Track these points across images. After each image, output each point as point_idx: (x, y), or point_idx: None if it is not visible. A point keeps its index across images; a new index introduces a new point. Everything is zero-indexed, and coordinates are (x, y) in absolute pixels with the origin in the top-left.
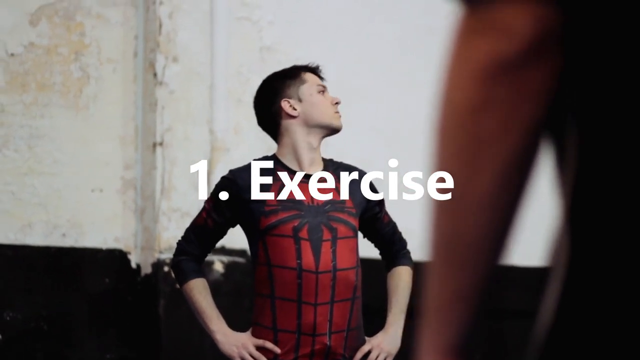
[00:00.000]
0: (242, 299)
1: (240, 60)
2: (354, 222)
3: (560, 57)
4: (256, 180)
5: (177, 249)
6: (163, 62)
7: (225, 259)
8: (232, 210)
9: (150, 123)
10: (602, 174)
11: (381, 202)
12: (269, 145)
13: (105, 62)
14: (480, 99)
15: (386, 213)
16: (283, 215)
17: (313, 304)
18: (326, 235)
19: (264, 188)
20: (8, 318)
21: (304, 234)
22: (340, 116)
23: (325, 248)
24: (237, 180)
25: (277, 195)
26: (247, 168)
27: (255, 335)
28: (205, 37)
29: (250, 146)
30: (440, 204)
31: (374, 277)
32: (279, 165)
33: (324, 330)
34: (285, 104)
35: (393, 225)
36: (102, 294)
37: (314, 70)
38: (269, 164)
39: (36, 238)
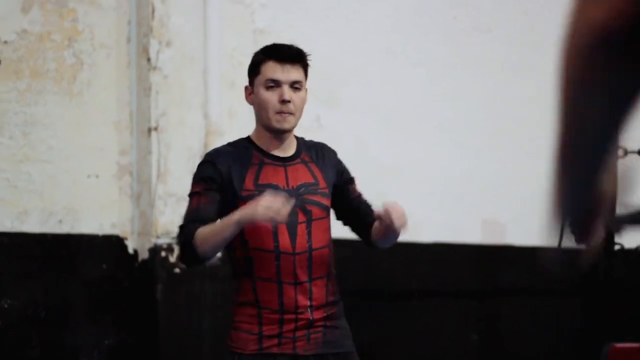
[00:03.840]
0: None
1: (233, 44)
2: (327, 202)
3: None
4: (233, 164)
5: (181, 236)
6: (157, 47)
7: None
8: (219, 186)
9: (145, 108)
10: None
11: (352, 178)
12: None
13: (98, 48)
14: None
15: (357, 189)
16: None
17: (293, 284)
18: (301, 217)
19: (240, 172)
20: (6, 305)
21: None
22: (285, 117)
23: (301, 230)
24: (216, 164)
25: (253, 180)
26: (224, 152)
27: (239, 312)
28: (198, 21)
29: (245, 129)
30: None
31: (364, 259)
32: (255, 148)
33: (305, 307)
34: (245, 92)
35: (365, 200)
36: (100, 280)
37: (277, 56)
38: (246, 149)
39: (32, 225)
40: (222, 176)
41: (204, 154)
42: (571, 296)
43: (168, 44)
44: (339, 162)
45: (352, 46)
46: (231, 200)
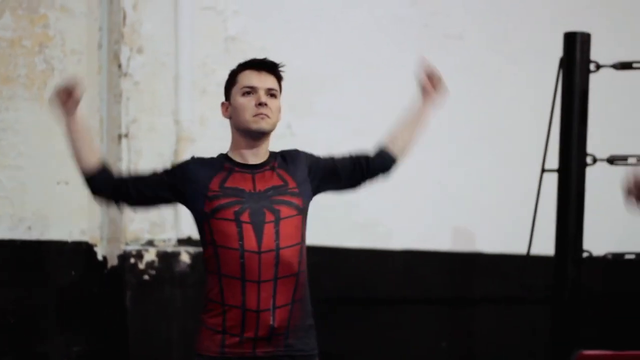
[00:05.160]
0: None
1: (205, 51)
2: (298, 201)
3: None
4: (204, 168)
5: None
6: (128, 54)
7: (192, 249)
8: (177, 181)
9: (116, 114)
10: None
11: (320, 159)
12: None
13: (69, 54)
14: None
15: (332, 157)
16: (224, 201)
17: (256, 282)
18: (269, 217)
19: (209, 175)
20: None
21: (245, 217)
22: (263, 117)
23: (268, 229)
24: (190, 164)
25: (220, 183)
26: (199, 158)
27: (206, 309)
28: (170, 27)
29: (216, 136)
30: None
31: (336, 266)
32: (227, 160)
33: (268, 306)
34: (222, 108)
35: (346, 157)
36: (69, 287)
37: (253, 65)
38: (219, 159)
39: (1, 231)
40: (187, 174)
41: (173, 162)
42: (540, 303)
43: (139, 51)
44: (307, 156)
45: (325, 55)
46: (197, 200)
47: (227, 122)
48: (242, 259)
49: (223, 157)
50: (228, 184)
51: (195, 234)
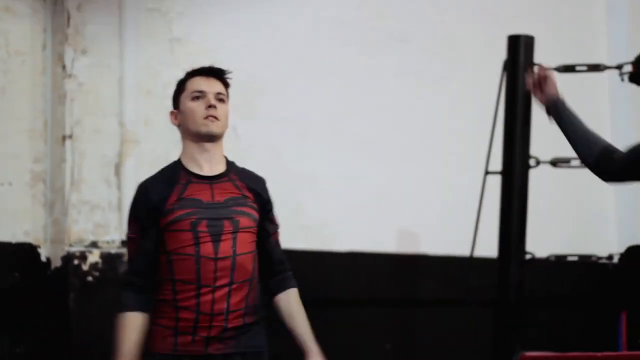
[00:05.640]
0: None
1: (150, 52)
2: (256, 214)
3: None
4: (156, 190)
5: (122, 299)
6: (72, 55)
7: None
8: (153, 220)
9: (60, 116)
10: None
11: (271, 211)
12: (178, 138)
13: (13, 55)
14: None
15: (275, 231)
16: (180, 212)
17: (211, 287)
18: (227, 227)
19: (165, 194)
20: None
21: (202, 227)
22: (212, 120)
23: (226, 238)
24: (148, 193)
25: (177, 196)
26: (152, 179)
27: (158, 310)
28: (114, 29)
29: (160, 138)
30: None
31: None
32: (183, 169)
33: (222, 310)
34: (171, 117)
35: (280, 248)
36: (12, 288)
37: (202, 72)
38: (174, 171)
39: None
40: (154, 204)
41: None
42: (484, 305)
43: (83, 52)
44: (265, 190)
45: (270, 57)
46: (157, 218)
47: (170, 124)
48: (198, 264)
49: (179, 168)
50: (186, 195)
51: None
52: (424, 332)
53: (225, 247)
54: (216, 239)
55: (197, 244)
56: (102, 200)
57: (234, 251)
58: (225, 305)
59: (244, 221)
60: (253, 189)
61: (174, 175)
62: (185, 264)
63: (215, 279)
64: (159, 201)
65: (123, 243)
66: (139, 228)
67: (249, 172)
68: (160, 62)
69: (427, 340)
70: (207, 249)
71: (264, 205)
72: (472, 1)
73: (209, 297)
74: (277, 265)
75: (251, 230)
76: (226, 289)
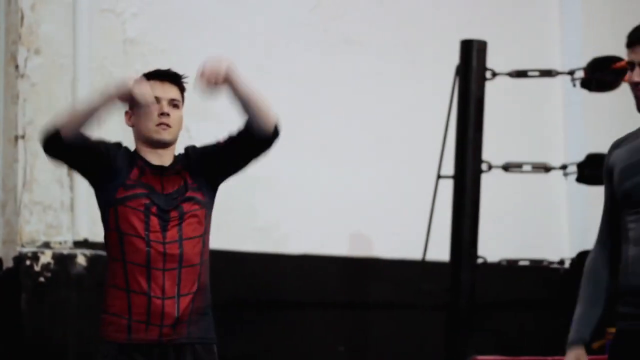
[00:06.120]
0: None
1: (103, 53)
2: (199, 195)
3: None
4: (127, 159)
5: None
6: (25, 55)
7: (88, 252)
8: (111, 153)
9: (12, 116)
10: None
11: (208, 146)
12: (132, 138)
13: None
14: None
15: (218, 140)
16: (138, 191)
17: (161, 269)
18: (173, 214)
19: (130, 165)
20: None
21: (153, 210)
22: (165, 128)
23: (173, 223)
24: (122, 149)
25: (137, 175)
26: (128, 149)
27: (109, 297)
28: (68, 29)
29: (113, 138)
30: None
31: (234, 270)
32: (140, 158)
33: (173, 294)
34: (125, 117)
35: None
36: None
37: (157, 76)
38: (134, 154)
39: None
40: (117, 156)
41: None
42: (435, 309)
43: (37, 52)
44: (196, 149)
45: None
46: (113, 185)
47: (123, 124)
48: (148, 247)
49: (137, 155)
50: (143, 179)
51: (91, 237)
52: (376, 335)
53: (172, 233)
54: (164, 225)
55: (147, 226)
56: (54, 200)
57: (180, 235)
58: (175, 290)
59: (187, 206)
60: (188, 165)
61: (134, 157)
62: (136, 245)
63: (165, 262)
64: (125, 167)
65: (75, 244)
66: (108, 143)
67: (183, 156)
68: (114, 62)
69: (379, 343)
70: (156, 232)
71: (201, 154)
72: (427, 6)
73: (159, 281)
74: (239, 129)
75: (197, 212)
76: (176, 272)
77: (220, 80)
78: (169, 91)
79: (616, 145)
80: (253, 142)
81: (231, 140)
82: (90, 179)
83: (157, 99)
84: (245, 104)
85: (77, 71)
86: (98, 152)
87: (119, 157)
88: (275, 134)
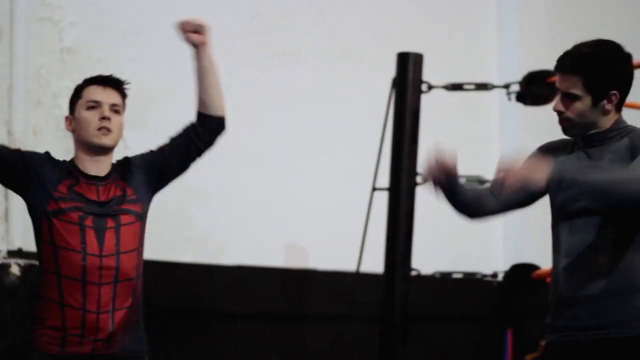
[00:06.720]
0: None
1: (40, 62)
2: (137, 208)
3: None
4: (55, 169)
5: None
6: None
7: (22, 262)
8: (29, 165)
9: None
10: None
11: (151, 151)
12: (67, 147)
13: None
14: None
15: (163, 144)
16: (70, 204)
17: (97, 284)
18: (110, 224)
19: (58, 176)
20: None
21: (89, 222)
22: (105, 133)
23: (109, 234)
24: (45, 159)
25: (68, 187)
26: (55, 159)
27: (42, 309)
28: (5, 37)
29: (50, 147)
30: None
31: (168, 280)
32: (74, 168)
33: (108, 307)
34: (66, 122)
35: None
36: None
37: (99, 81)
38: (68, 165)
39: None
40: (40, 167)
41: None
42: (369, 321)
43: None
44: (139, 159)
45: (161, 68)
46: (42, 196)
47: (60, 133)
48: (84, 261)
49: (70, 164)
50: (76, 190)
51: (26, 246)
52: (311, 346)
53: (109, 245)
54: (100, 235)
55: (83, 239)
56: None
57: (117, 249)
58: (111, 305)
59: (124, 218)
60: (126, 177)
61: (68, 167)
62: (72, 259)
63: (101, 277)
64: (54, 178)
65: (9, 253)
66: (29, 153)
67: (122, 165)
68: (51, 71)
69: (314, 355)
70: (92, 245)
71: (147, 161)
72: (365, 18)
73: (94, 295)
74: (186, 127)
75: (133, 225)
76: (111, 287)
77: (202, 32)
78: (111, 96)
79: (548, 149)
80: (204, 129)
81: (177, 140)
82: (14, 190)
83: (98, 103)
84: (207, 74)
85: (13, 79)
86: (14, 165)
87: (46, 166)
88: (223, 120)
